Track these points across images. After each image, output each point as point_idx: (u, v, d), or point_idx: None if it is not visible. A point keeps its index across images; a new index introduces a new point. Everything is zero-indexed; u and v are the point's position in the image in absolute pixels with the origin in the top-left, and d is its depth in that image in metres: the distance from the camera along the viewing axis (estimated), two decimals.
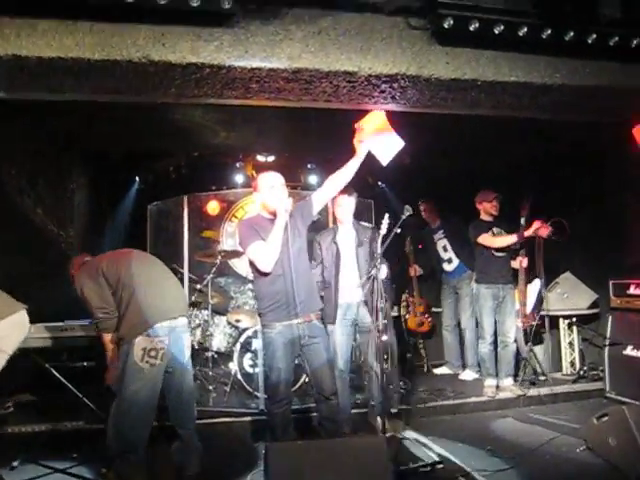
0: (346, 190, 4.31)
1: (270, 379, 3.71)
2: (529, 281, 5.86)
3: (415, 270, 6.83)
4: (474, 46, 3.41)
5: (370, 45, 3.26)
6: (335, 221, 4.81)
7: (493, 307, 5.58)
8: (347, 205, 4.54)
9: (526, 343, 5.76)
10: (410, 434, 4.57)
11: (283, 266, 3.57)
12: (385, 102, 3.67)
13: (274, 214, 3.61)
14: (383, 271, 4.19)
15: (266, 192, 3.65)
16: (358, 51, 3.23)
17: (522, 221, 5.44)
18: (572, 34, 3.38)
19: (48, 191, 5.83)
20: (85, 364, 5.00)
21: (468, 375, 6.37)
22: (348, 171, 3.67)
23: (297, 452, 3.21)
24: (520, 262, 5.64)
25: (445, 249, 6.74)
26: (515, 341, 5.66)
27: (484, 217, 5.73)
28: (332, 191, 3.78)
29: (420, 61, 3.38)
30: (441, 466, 3.86)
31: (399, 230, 4.02)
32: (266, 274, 3.58)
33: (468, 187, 6.01)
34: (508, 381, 5.56)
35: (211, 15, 2.95)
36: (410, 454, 4.13)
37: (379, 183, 7.73)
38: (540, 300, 6.00)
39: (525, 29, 3.33)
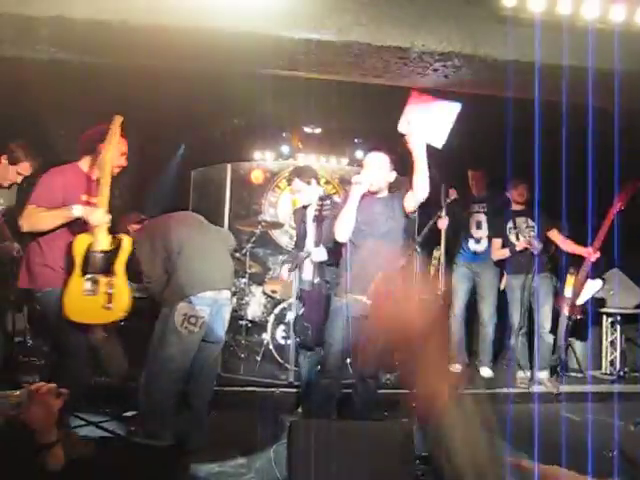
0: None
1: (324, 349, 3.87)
2: (593, 277, 5.40)
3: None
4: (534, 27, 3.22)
5: (424, 21, 3.12)
6: None
7: (522, 298, 5.39)
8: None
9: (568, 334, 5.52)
10: None
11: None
12: (437, 81, 3.53)
13: None
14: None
15: None
16: (412, 26, 3.10)
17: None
18: None
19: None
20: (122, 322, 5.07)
21: (486, 372, 5.82)
22: (419, 177, 3.52)
23: (321, 430, 3.20)
24: (589, 254, 5.16)
25: (479, 226, 6.00)
26: (551, 331, 5.44)
27: (514, 207, 5.61)
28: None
29: (476, 40, 3.22)
30: None
31: (444, 214, 3.91)
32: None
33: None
34: (543, 374, 5.38)
35: None
36: None
37: None
38: (593, 301, 5.61)
39: None
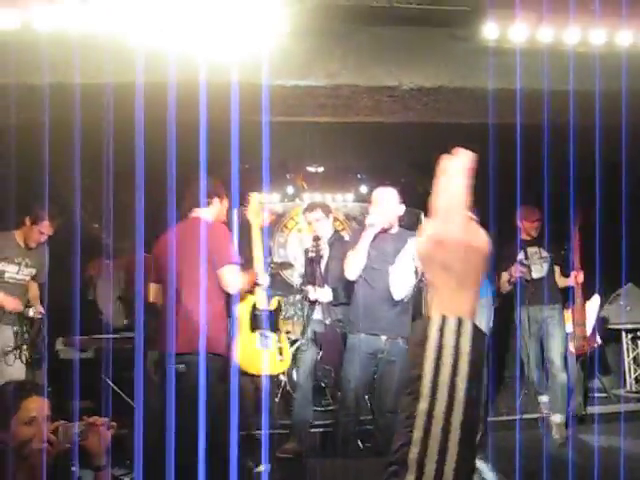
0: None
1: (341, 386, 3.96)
2: (587, 298, 5.13)
3: None
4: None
5: (410, 58, 3.22)
6: None
7: (534, 331, 4.95)
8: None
9: (584, 370, 5.10)
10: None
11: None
12: (430, 115, 3.62)
13: None
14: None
15: None
16: (399, 65, 3.20)
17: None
18: None
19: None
20: None
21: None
22: None
23: (339, 471, 3.19)
24: (575, 277, 4.89)
25: None
26: (565, 369, 4.88)
27: (524, 236, 5.07)
28: None
29: (464, 72, 3.31)
30: None
31: None
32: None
33: None
34: (556, 418, 4.82)
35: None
36: None
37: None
38: (601, 320, 5.43)
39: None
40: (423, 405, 0.71)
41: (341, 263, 3.92)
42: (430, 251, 0.79)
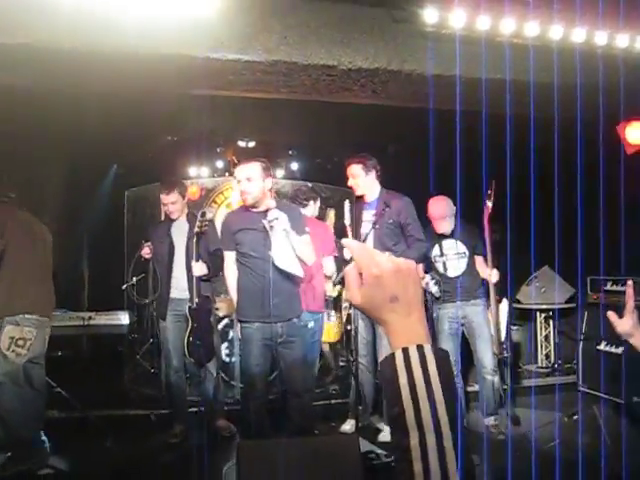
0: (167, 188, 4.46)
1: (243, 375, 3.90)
2: (499, 299, 4.76)
3: None
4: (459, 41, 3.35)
5: (351, 38, 3.19)
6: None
7: (453, 331, 4.57)
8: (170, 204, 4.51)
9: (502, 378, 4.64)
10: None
11: None
12: (365, 96, 3.61)
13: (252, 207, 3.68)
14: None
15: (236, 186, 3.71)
16: (338, 44, 3.16)
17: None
18: None
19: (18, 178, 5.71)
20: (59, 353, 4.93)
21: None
22: None
23: (270, 450, 3.20)
24: (488, 276, 4.54)
25: None
26: (496, 370, 4.56)
27: (438, 230, 4.61)
28: None
29: (402, 56, 3.32)
30: None
31: None
32: None
33: None
34: (489, 420, 4.60)
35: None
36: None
37: None
38: (509, 325, 5.02)
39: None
40: (414, 440, 0.75)
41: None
42: (371, 292, 0.84)
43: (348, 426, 4.59)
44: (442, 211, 4.52)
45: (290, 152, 7.37)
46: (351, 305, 4.18)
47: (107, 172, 7.01)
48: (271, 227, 3.57)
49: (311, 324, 4.55)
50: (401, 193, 4.32)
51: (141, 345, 6.03)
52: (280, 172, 7.37)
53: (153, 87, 3.46)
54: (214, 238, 4.34)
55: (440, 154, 3.73)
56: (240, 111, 5.38)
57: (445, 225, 4.54)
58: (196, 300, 4.21)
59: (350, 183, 4.35)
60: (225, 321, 5.67)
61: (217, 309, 6.01)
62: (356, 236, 4.34)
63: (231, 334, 5.52)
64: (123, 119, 5.33)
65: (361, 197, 4.38)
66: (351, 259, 0.90)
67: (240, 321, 3.86)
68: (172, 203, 4.43)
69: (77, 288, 6.67)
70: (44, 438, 3.83)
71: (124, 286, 5.94)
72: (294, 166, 7.36)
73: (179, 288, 4.41)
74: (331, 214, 6.14)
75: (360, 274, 0.86)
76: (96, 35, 2.83)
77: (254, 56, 3.00)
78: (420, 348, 0.79)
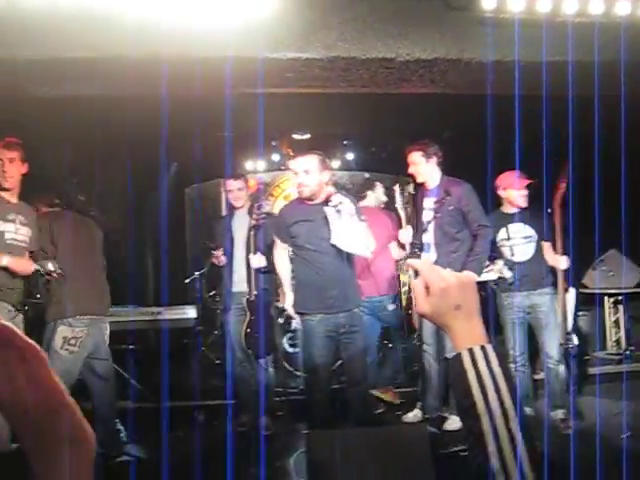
0: (234, 175, 4.56)
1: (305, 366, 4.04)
2: (567, 288, 4.50)
3: None
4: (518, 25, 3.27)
5: (408, 30, 3.17)
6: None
7: (519, 321, 4.43)
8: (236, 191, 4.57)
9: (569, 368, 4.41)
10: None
11: None
12: (423, 85, 3.58)
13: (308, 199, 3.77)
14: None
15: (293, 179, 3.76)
16: (395, 37, 3.14)
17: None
18: None
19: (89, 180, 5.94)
20: (131, 347, 5.12)
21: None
22: None
23: (339, 439, 3.25)
24: (557, 263, 4.37)
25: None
26: (564, 361, 4.37)
27: (505, 209, 4.53)
28: None
29: (460, 44, 3.27)
30: None
31: None
32: None
33: None
34: (558, 414, 4.38)
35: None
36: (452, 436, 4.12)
37: None
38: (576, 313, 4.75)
39: None
40: (485, 425, 0.89)
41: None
42: (438, 302, 0.99)
43: (411, 414, 4.60)
44: (517, 182, 4.36)
45: (345, 142, 7.37)
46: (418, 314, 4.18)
47: (167, 171, 7.19)
48: (338, 211, 3.59)
49: (391, 306, 4.60)
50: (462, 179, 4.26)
51: (206, 338, 6.21)
52: (336, 163, 7.39)
53: (213, 90, 3.53)
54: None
55: (500, 140, 3.68)
56: (294, 104, 5.42)
57: (521, 199, 4.39)
58: (254, 292, 4.25)
59: (410, 170, 4.31)
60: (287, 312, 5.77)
61: (278, 301, 6.12)
62: (416, 222, 4.33)
63: (294, 324, 5.59)
64: (181, 119, 5.47)
65: (422, 184, 4.34)
66: (416, 274, 1.07)
67: (300, 313, 3.91)
68: (239, 189, 4.53)
69: (143, 284, 6.90)
70: (120, 427, 4.02)
71: (187, 280, 6.11)
72: (349, 156, 7.36)
73: (239, 281, 4.46)
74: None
75: (426, 287, 1.01)
76: (161, 44, 2.92)
77: (313, 53, 3.02)
78: (483, 348, 0.95)
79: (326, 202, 3.67)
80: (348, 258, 3.87)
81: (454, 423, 4.17)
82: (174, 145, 6.45)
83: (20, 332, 0.63)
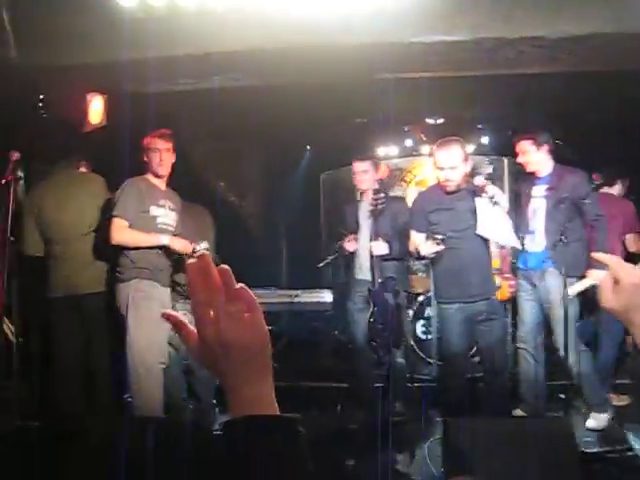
0: (359, 157, 4.33)
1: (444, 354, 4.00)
2: None
3: None
4: None
5: (559, 5, 2.99)
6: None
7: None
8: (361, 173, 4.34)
9: None
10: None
11: None
12: (574, 64, 3.38)
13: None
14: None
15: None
16: (546, 13, 2.98)
17: None
18: None
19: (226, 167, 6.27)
20: (270, 328, 5.34)
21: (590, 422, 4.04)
22: None
23: (476, 427, 3.21)
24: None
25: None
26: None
27: None
28: None
29: (618, 15, 3.04)
30: (632, 453, 3.62)
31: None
32: None
33: None
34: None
35: None
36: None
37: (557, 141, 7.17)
38: None
39: None
40: None
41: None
42: (630, 298, 0.98)
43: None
44: None
45: (479, 126, 7.15)
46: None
47: (302, 157, 7.39)
48: (495, 203, 3.57)
49: None
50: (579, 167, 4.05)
51: (337, 322, 6.33)
52: (470, 148, 7.19)
53: (351, 75, 3.58)
54: (402, 217, 4.27)
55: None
56: (426, 88, 5.33)
57: None
58: (379, 281, 4.08)
59: (519, 160, 4.13)
60: (421, 298, 5.74)
61: (409, 290, 6.09)
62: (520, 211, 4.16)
63: (427, 311, 5.57)
64: (316, 106, 5.60)
65: (532, 173, 4.13)
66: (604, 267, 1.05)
67: (440, 302, 3.89)
68: (364, 172, 4.34)
69: (280, 268, 7.18)
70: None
71: (320, 264, 6.26)
72: (484, 140, 7.14)
73: (363, 269, 4.35)
74: None
75: (615, 281, 1.00)
76: (301, 33, 3.01)
77: (459, 36, 2.96)
78: None
79: (475, 192, 3.64)
80: (487, 246, 3.85)
81: (595, 422, 3.97)
82: (310, 131, 6.64)
83: (250, 291, 0.80)
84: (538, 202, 4.04)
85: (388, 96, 5.59)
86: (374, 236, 4.11)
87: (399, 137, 7.27)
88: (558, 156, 6.29)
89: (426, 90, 5.34)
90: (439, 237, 3.63)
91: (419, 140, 7.13)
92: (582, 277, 3.74)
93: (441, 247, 3.63)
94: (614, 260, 1.04)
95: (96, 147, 4.28)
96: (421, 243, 3.79)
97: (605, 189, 4.78)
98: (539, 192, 4.06)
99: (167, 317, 0.82)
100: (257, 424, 0.77)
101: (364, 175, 4.34)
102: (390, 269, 4.19)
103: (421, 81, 4.81)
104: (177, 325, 0.81)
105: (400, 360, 4.48)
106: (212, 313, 0.77)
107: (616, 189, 4.67)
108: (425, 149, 7.12)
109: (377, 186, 4.29)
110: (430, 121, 6.95)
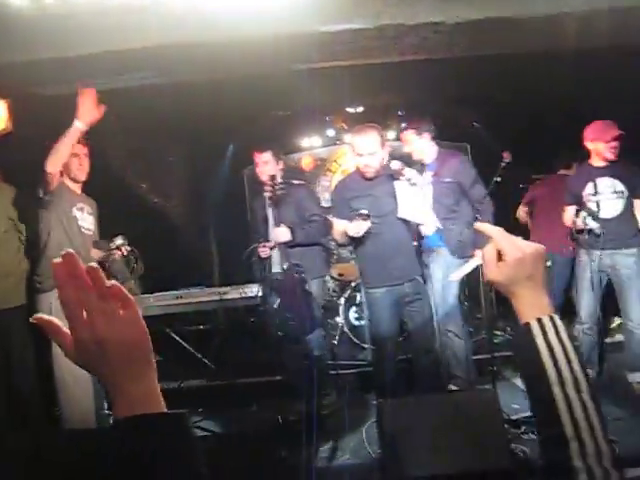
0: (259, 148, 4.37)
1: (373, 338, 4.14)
2: None
3: None
4: None
5: None
6: None
7: (596, 280, 4.25)
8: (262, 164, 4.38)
9: None
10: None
11: None
12: (475, 48, 3.49)
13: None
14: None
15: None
16: None
17: None
18: None
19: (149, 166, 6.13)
20: (201, 327, 5.32)
21: None
22: None
23: (409, 407, 3.29)
24: None
25: None
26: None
27: (594, 162, 4.34)
28: None
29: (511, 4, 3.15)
30: None
31: (498, 179, 3.89)
32: None
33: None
34: (635, 377, 4.16)
35: None
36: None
37: (474, 123, 7.41)
38: None
39: None
40: (558, 395, 0.90)
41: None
42: (512, 271, 0.99)
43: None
44: (606, 134, 4.15)
45: (399, 113, 7.28)
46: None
47: (225, 153, 7.31)
48: (413, 184, 3.69)
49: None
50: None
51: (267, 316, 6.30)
52: (392, 134, 7.32)
53: (264, 68, 3.56)
54: (308, 204, 4.30)
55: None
56: (341, 78, 5.38)
57: (610, 152, 4.17)
58: (283, 267, 3.97)
59: (405, 150, 4.44)
60: (353, 285, 5.84)
61: (333, 275, 6.14)
62: None
63: (358, 298, 5.66)
64: (234, 102, 5.55)
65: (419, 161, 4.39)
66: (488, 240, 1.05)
67: (367, 288, 3.96)
68: (264, 162, 4.28)
69: (209, 265, 7.10)
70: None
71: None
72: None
73: (275, 263, 4.29)
74: None
75: (499, 255, 1.02)
76: (208, 28, 2.96)
77: (362, 24, 2.98)
78: (552, 318, 0.95)
79: (393, 176, 3.75)
80: (409, 229, 3.91)
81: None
82: (232, 127, 6.57)
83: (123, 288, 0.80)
84: (426, 188, 4.17)
85: (306, 87, 5.62)
86: (277, 223, 4.07)
87: (321, 127, 7.32)
88: (475, 137, 6.54)
89: (341, 79, 5.39)
90: (364, 212, 3.66)
91: (341, 129, 7.20)
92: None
93: (368, 223, 3.65)
94: (496, 231, 1.04)
95: (4, 155, 4.10)
96: (347, 225, 3.79)
97: (562, 171, 5.13)
98: (426, 178, 4.22)
99: (36, 321, 0.79)
100: (144, 422, 0.76)
101: (264, 166, 4.29)
102: (297, 256, 4.08)
103: (335, 70, 4.84)
104: (49, 328, 0.79)
105: (318, 348, 4.30)
106: (84, 312, 0.76)
107: (573, 171, 4.88)
108: (347, 138, 7.19)
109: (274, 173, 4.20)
110: (350, 110, 7.02)
